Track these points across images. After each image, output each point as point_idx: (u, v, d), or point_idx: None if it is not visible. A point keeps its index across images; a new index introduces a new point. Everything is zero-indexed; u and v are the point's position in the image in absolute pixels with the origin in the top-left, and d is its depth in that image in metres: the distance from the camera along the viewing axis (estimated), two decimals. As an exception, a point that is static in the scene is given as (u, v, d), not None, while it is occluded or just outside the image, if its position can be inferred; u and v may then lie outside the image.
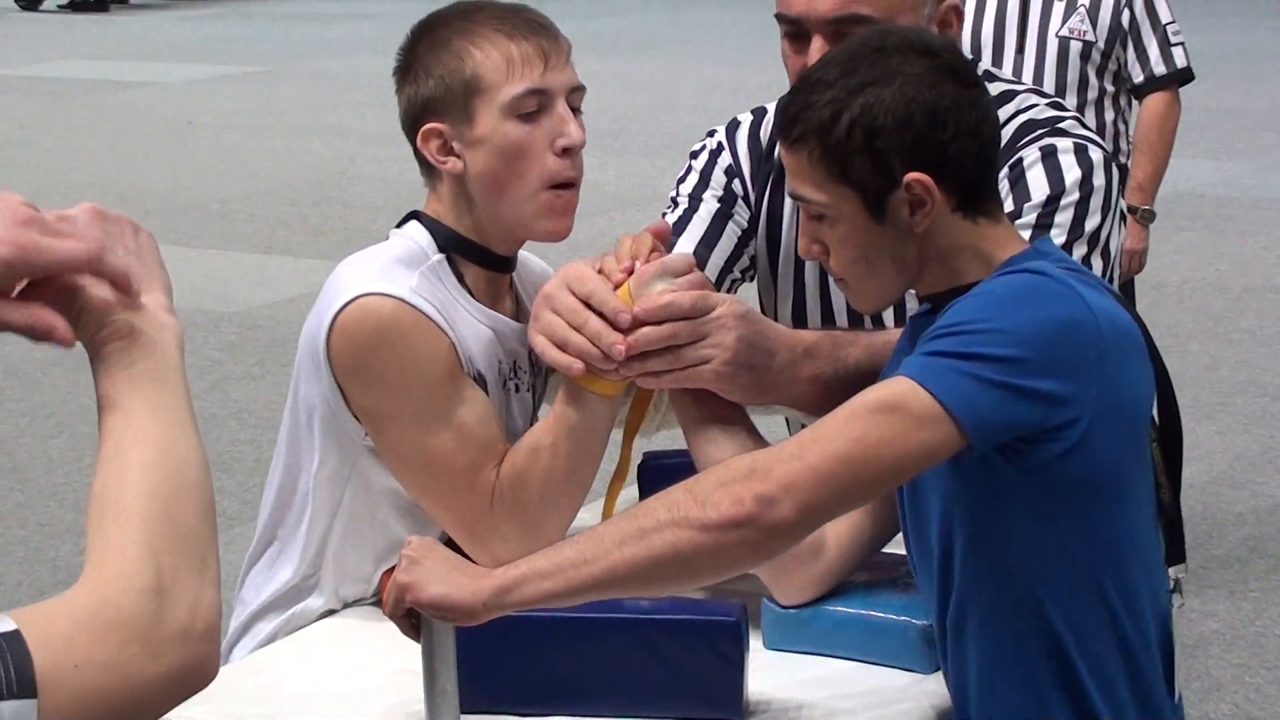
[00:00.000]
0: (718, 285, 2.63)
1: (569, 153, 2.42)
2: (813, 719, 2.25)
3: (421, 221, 2.48)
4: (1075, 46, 4.91)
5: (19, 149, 11.64)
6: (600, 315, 2.28)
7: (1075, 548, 2.05)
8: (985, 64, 2.76)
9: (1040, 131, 2.48)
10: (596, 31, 16.28)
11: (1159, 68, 4.97)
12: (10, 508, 5.70)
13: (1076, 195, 2.43)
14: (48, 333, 1.39)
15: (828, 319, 2.64)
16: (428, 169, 2.47)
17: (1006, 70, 4.78)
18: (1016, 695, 2.09)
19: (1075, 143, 2.46)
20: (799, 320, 2.66)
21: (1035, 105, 2.53)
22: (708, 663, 2.21)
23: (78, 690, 1.26)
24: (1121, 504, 2.07)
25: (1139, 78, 4.98)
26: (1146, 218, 5.08)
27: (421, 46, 2.44)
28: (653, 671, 2.22)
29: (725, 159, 2.70)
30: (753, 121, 2.72)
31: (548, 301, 2.33)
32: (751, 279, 2.73)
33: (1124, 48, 4.94)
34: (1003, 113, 2.44)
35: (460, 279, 2.45)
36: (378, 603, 2.36)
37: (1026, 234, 2.37)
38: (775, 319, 2.61)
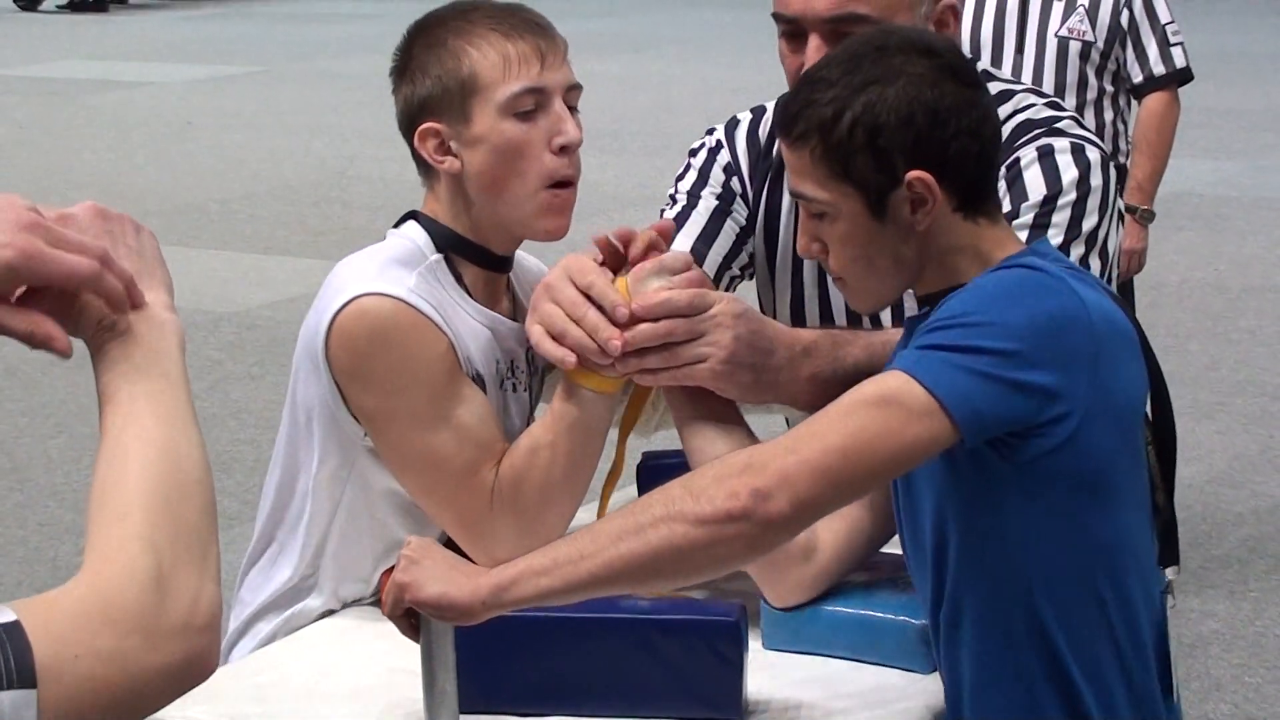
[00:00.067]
0: (716, 283, 2.63)
1: (566, 151, 2.42)
2: (812, 719, 2.25)
3: (419, 221, 2.48)
4: (1074, 46, 4.92)
5: (19, 149, 11.64)
6: (599, 309, 2.28)
7: (1068, 545, 2.05)
8: (984, 63, 2.77)
9: (1038, 131, 2.48)
10: (596, 31, 16.28)
11: (1158, 68, 4.97)
12: (10, 508, 5.70)
13: (1074, 195, 2.43)
14: (46, 341, 1.40)
15: (826, 318, 2.65)
16: (425, 169, 2.47)
17: (1006, 70, 4.79)
18: (1009, 694, 2.09)
19: (1072, 143, 2.47)
20: (797, 319, 2.66)
21: (1033, 105, 2.53)
22: (707, 663, 2.21)
23: (78, 681, 1.26)
24: (1114, 503, 2.07)
25: (1138, 78, 4.98)
26: (1146, 218, 5.08)
27: (418, 46, 2.45)
28: (652, 671, 2.22)
29: (724, 157, 2.70)
30: (752, 120, 2.73)
31: (548, 292, 2.33)
32: (750, 277, 2.73)
33: (1123, 48, 4.95)
34: (1000, 112, 2.43)
35: (458, 279, 2.45)
36: (377, 602, 2.36)
37: (1024, 234, 2.37)
38: (774, 317, 2.62)
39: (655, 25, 18.13)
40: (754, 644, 2.30)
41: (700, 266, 2.57)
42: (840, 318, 2.63)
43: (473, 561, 2.17)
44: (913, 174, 2.05)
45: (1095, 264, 2.43)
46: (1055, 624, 2.06)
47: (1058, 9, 4.92)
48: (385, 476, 2.45)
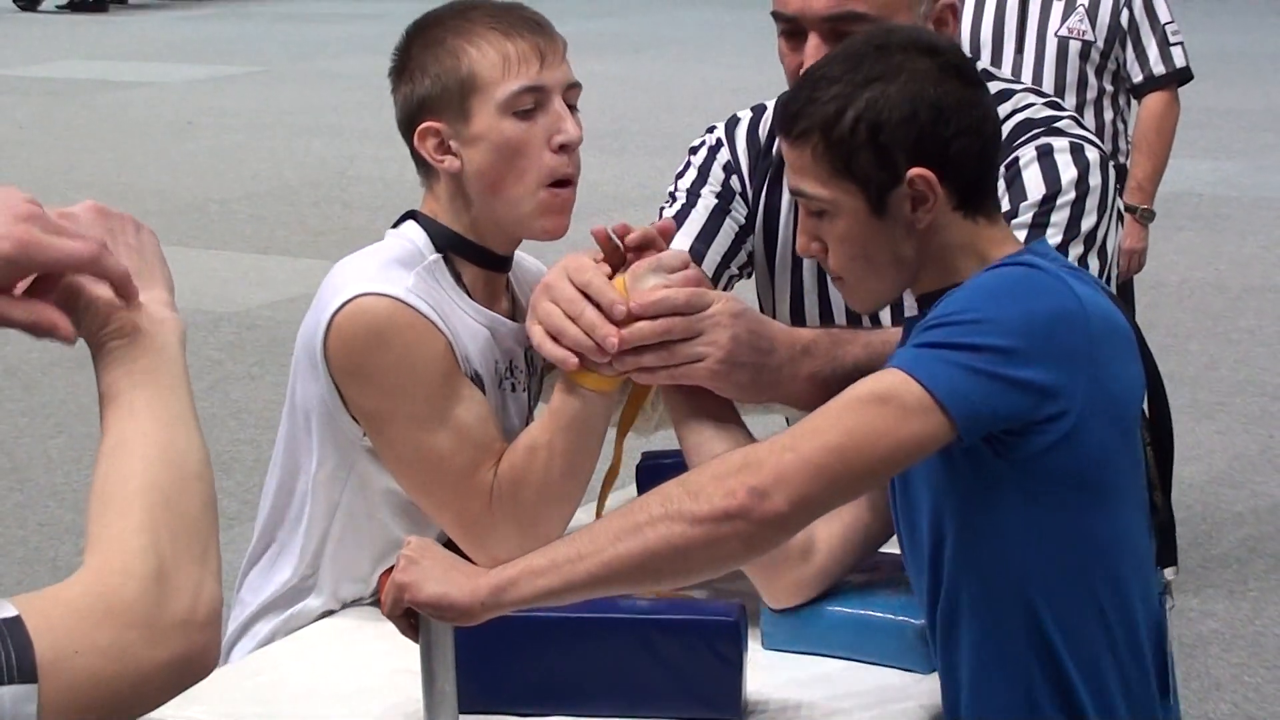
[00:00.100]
0: (715, 282, 2.63)
1: (566, 149, 2.42)
2: (811, 719, 2.25)
3: (418, 221, 2.48)
4: (1074, 46, 4.92)
5: (18, 149, 11.64)
6: (597, 307, 2.28)
7: (1065, 544, 2.05)
8: (984, 63, 2.77)
9: (1036, 131, 2.48)
10: (596, 31, 16.28)
11: (1158, 67, 4.97)
12: (10, 508, 5.70)
13: (1073, 195, 2.43)
14: (50, 329, 1.40)
15: (825, 317, 2.65)
16: (424, 168, 2.47)
17: (1005, 70, 4.79)
18: (1006, 694, 2.09)
19: (1071, 142, 2.47)
20: (797, 318, 2.66)
21: (1032, 104, 2.53)
22: (706, 663, 2.21)
23: (78, 676, 1.27)
24: (1111, 502, 2.07)
25: (1138, 77, 4.98)
26: (1146, 217, 5.08)
27: (417, 46, 2.45)
28: (651, 671, 2.22)
29: (724, 155, 2.70)
30: (752, 118, 2.73)
31: (547, 291, 2.33)
32: (749, 276, 2.74)
33: (1123, 47, 4.95)
34: (999, 112, 2.43)
35: (457, 278, 2.45)
36: (376, 603, 2.36)
37: (1023, 233, 2.37)
38: (773, 316, 2.62)
39: (655, 25, 18.13)
40: (753, 644, 2.30)
41: (699, 265, 2.57)
42: (840, 317, 2.63)
43: (472, 562, 2.17)
44: (914, 171, 2.06)
45: (1094, 263, 2.43)
46: (1052, 623, 2.06)
47: (1057, 8, 4.92)
48: (384, 477, 2.44)
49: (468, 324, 2.43)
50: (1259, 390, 6.72)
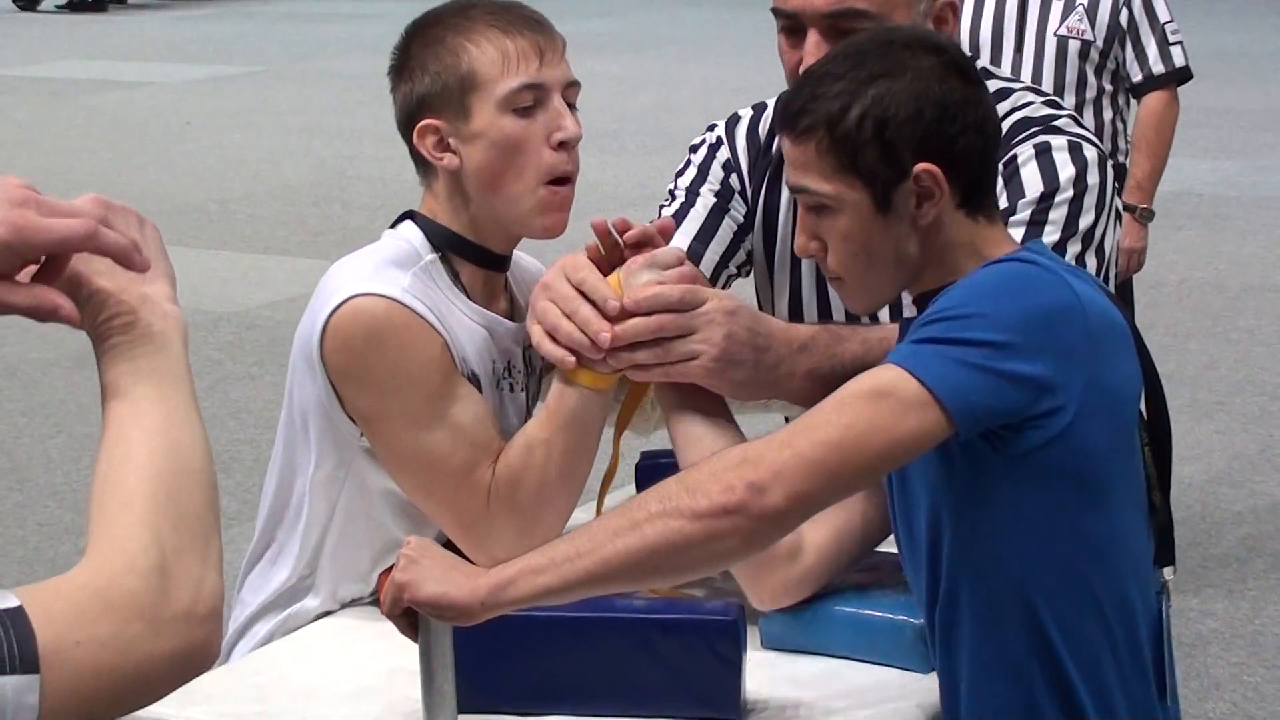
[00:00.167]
0: (713, 281, 2.63)
1: (565, 146, 2.42)
2: (810, 718, 2.25)
3: (416, 221, 2.48)
4: (1074, 45, 4.92)
5: (18, 149, 11.64)
6: (592, 303, 2.29)
7: (1063, 542, 2.05)
8: (983, 62, 2.77)
9: (1035, 129, 2.49)
10: (596, 31, 16.28)
11: (1157, 66, 4.97)
12: (9, 508, 5.70)
13: (1071, 192, 2.43)
14: (52, 311, 1.40)
15: (824, 314, 2.65)
16: (423, 166, 2.48)
17: (1005, 69, 4.79)
18: (1006, 694, 2.09)
19: (1070, 140, 2.47)
20: (795, 316, 2.67)
21: (1031, 103, 2.54)
22: (706, 662, 2.21)
23: (80, 667, 1.27)
24: (1109, 500, 2.07)
25: (1137, 77, 4.98)
26: (1145, 217, 5.08)
27: (417, 44, 2.45)
28: (651, 671, 2.22)
29: (724, 153, 2.71)
30: (752, 116, 2.73)
31: (545, 290, 2.34)
32: (748, 274, 2.74)
33: (1122, 47, 4.95)
34: (998, 110, 2.44)
35: (455, 278, 2.45)
36: (375, 602, 2.37)
37: (1020, 230, 2.38)
38: (772, 314, 2.62)
39: (655, 25, 18.12)
40: (752, 643, 2.30)
41: (698, 265, 2.57)
42: (839, 314, 2.63)
43: (471, 562, 2.17)
44: (921, 166, 2.06)
45: (1092, 262, 2.43)
46: (1052, 623, 2.06)
47: (1057, 8, 4.92)
48: (382, 477, 2.45)
49: (465, 324, 2.43)
50: (1258, 390, 6.72)
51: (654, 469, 2.63)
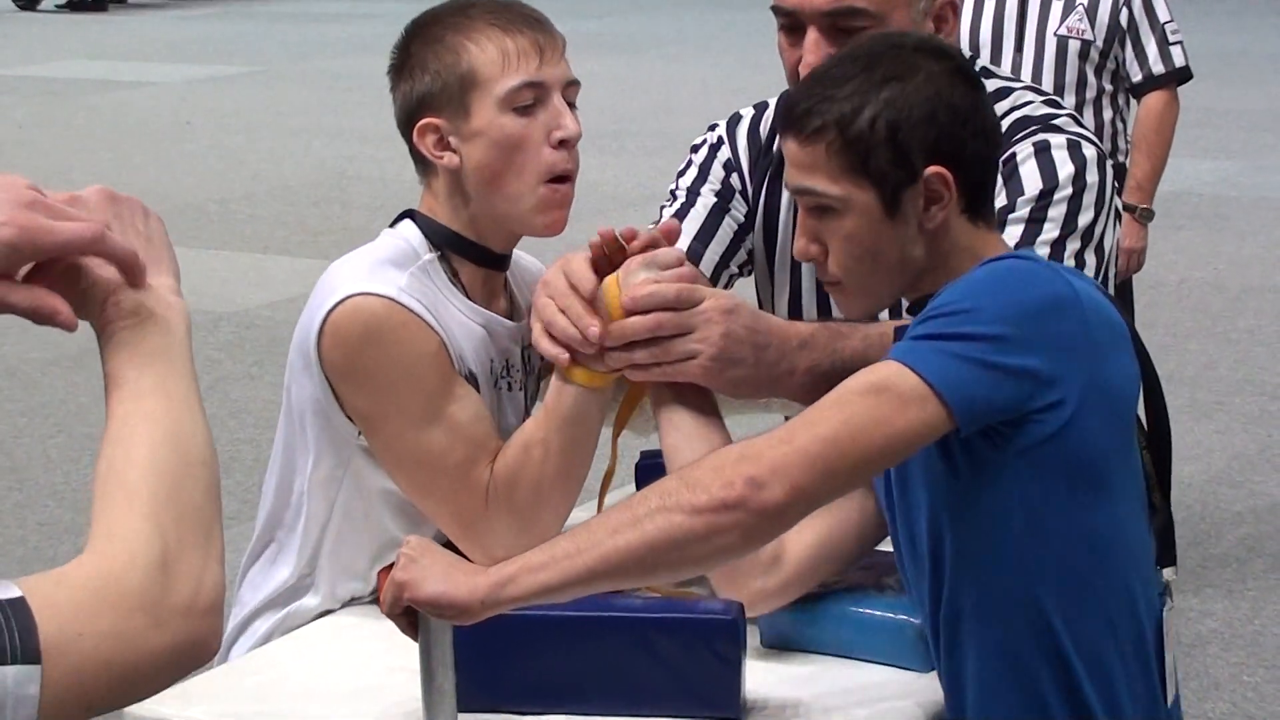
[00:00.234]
0: (714, 280, 2.64)
1: (565, 145, 2.42)
2: (810, 717, 2.25)
3: (415, 220, 2.48)
4: (1074, 45, 4.92)
5: (18, 149, 11.64)
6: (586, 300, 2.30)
7: (1066, 540, 2.05)
8: (983, 61, 2.77)
9: (1034, 128, 2.49)
10: (596, 31, 16.28)
11: (1157, 66, 4.97)
12: (9, 507, 5.70)
13: (1070, 190, 2.44)
14: (51, 315, 1.40)
15: (824, 313, 2.65)
16: (423, 165, 2.48)
17: (1005, 69, 4.78)
18: (1014, 695, 2.09)
19: (1069, 139, 2.47)
20: (795, 314, 2.67)
21: (1030, 102, 2.54)
22: (705, 661, 2.21)
23: (81, 658, 1.27)
24: (1111, 497, 2.07)
25: (1137, 77, 4.98)
26: (1145, 217, 5.08)
27: (417, 43, 2.45)
28: (650, 670, 2.22)
29: (724, 153, 2.71)
30: (754, 115, 2.74)
31: (544, 287, 2.34)
32: (749, 274, 2.74)
33: (1122, 47, 4.95)
34: (997, 109, 2.45)
35: (454, 277, 2.46)
36: (375, 601, 2.37)
37: (1020, 228, 2.39)
38: (772, 312, 2.62)
39: (655, 25, 18.12)
40: (752, 642, 2.30)
41: (698, 265, 2.58)
42: (839, 312, 2.63)
43: (471, 561, 2.17)
44: (932, 169, 2.07)
45: (1091, 260, 2.43)
46: (1057, 620, 2.06)
47: (1057, 8, 4.92)
48: (380, 476, 2.45)
49: (462, 323, 2.43)
50: (1258, 390, 6.72)
51: (654, 468, 2.63)
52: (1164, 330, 7.21)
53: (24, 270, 1.41)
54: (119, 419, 1.41)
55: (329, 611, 2.54)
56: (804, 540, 2.28)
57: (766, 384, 2.33)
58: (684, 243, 2.61)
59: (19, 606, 1.26)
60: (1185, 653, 4.57)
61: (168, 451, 1.39)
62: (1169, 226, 8.39)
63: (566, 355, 2.31)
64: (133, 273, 1.45)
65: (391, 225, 2.51)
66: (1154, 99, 5.01)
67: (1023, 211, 2.42)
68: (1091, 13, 4.92)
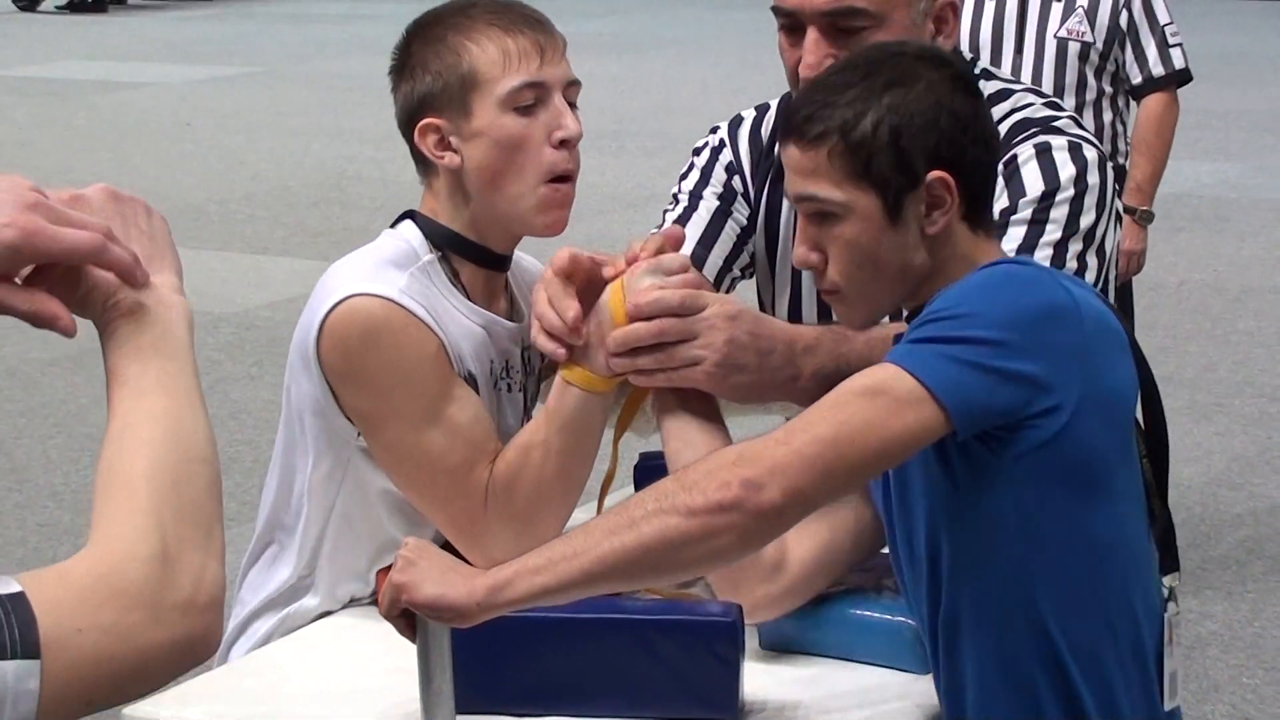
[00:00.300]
0: (717, 284, 2.64)
1: (566, 145, 2.42)
2: (808, 718, 2.25)
3: (415, 221, 2.48)
4: (1073, 47, 4.92)
5: (17, 149, 11.64)
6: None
7: (1064, 545, 2.05)
8: (983, 63, 2.77)
9: (1035, 129, 2.49)
10: (596, 31, 16.29)
11: (1157, 69, 4.97)
12: (9, 508, 5.70)
13: (1071, 192, 2.44)
14: (50, 321, 1.41)
15: (825, 315, 2.65)
16: (424, 166, 2.48)
17: (1005, 71, 4.78)
18: (1011, 701, 2.09)
19: (1070, 141, 2.48)
20: (795, 316, 2.67)
21: (1031, 104, 2.54)
22: (704, 663, 2.21)
23: (80, 654, 1.27)
24: (1109, 502, 2.07)
25: (1137, 79, 4.98)
26: (1145, 218, 5.08)
27: (417, 44, 2.45)
28: (649, 672, 2.22)
29: (726, 155, 2.71)
30: (755, 118, 2.74)
31: (543, 283, 2.35)
32: (751, 276, 2.74)
33: (1122, 49, 4.95)
34: (998, 110, 2.46)
35: (454, 277, 2.46)
36: (375, 602, 2.37)
37: (1022, 229, 2.39)
38: (773, 314, 2.62)
39: (655, 25, 18.12)
40: (751, 644, 2.30)
41: (701, 270, 2.58)
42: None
43: (469, 563, 2.17)
44: (934, 174, 2.07)
45: (1092, 261, 2.43)
46: (1055, 625, 2.06)
47: (1057, 10, 4.92)
48: (380, 477, 2.45)
49: (462, 323, 2.43)
50: (1257, 392, 6.72)
51: (653, 470, 2.63)
52: (1163, 332, 7.21)
53: (24, 271, 1.41)
54: (120, 416, 1.41)
55: (329, 612, 2.54)
56: (806, 547, 2.28)
57: (770, 389, 2.33)
58: (687, 247, 2.61)
59: (19, 601, 1.26)
60: (1184, 655, 4.57)
61: (169, 448, 1.39)
62: (1169, 228, 8.40)
63: (564, 351, 2.31)
64: (133, 281, 1.45)
65: (392, 226, 2.51)
66: (1154, 101, 5.01)
67: (1025, 213, 2.42)
68: (1091, 15, 4.92)
